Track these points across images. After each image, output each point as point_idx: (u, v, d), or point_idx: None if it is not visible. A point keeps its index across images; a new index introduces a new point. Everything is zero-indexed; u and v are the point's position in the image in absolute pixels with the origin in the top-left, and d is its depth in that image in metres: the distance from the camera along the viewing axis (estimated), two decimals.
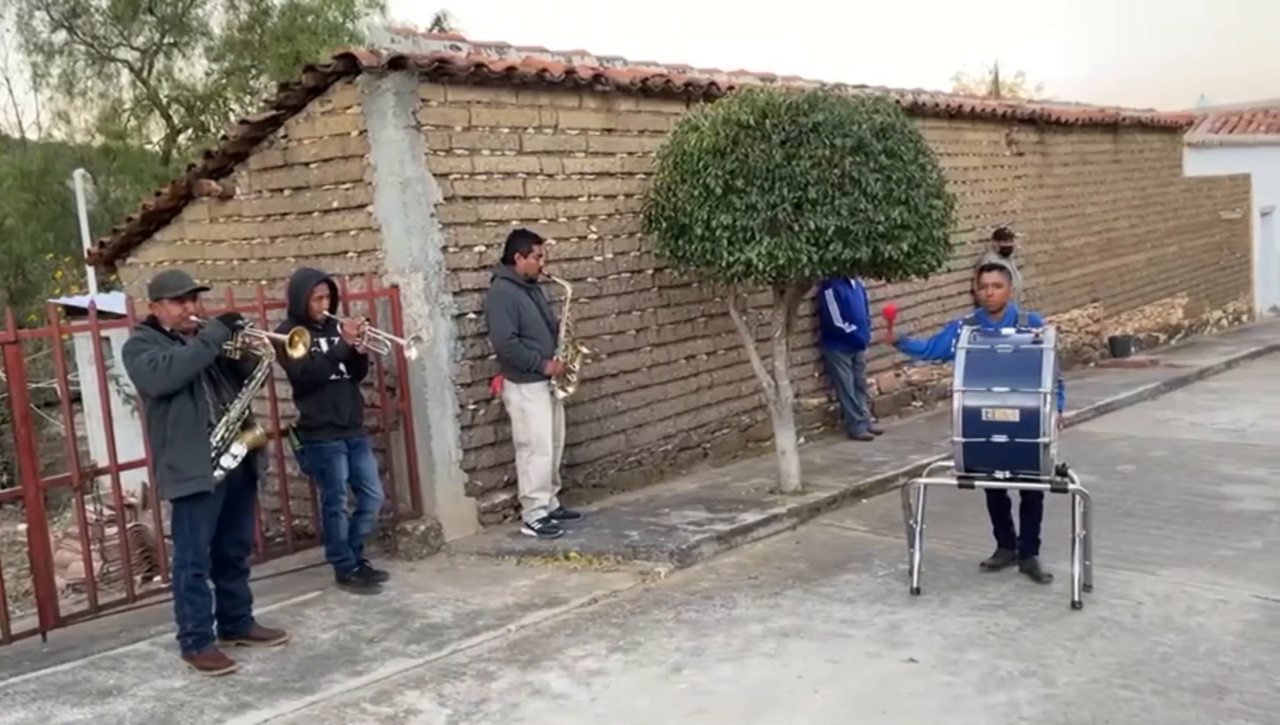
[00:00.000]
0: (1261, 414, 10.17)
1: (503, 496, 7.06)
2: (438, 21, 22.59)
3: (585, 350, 7.01)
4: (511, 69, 6.92)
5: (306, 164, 6.92)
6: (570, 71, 7.27)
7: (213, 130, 23.71)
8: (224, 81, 23.04)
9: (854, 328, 9.12)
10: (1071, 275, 13.06)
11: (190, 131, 23.68)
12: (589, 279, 7.52)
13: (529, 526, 6.75)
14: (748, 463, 8.55)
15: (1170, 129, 15.42)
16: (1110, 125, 13.73)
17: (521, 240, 6.70)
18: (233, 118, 23.12)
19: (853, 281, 8.96)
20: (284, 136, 7.00)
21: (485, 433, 6.96)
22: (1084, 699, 4.33)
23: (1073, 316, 12.94)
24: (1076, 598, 5.32)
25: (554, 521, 6.79)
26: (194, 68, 23.12)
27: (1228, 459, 8.40)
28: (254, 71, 23.07)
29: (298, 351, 5.16)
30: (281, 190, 7.12)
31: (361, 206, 6.69)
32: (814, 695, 4.52)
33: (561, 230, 7.36)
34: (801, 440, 7.73)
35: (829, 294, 9.07)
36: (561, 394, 6.81)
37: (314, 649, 5.24)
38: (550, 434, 6.75)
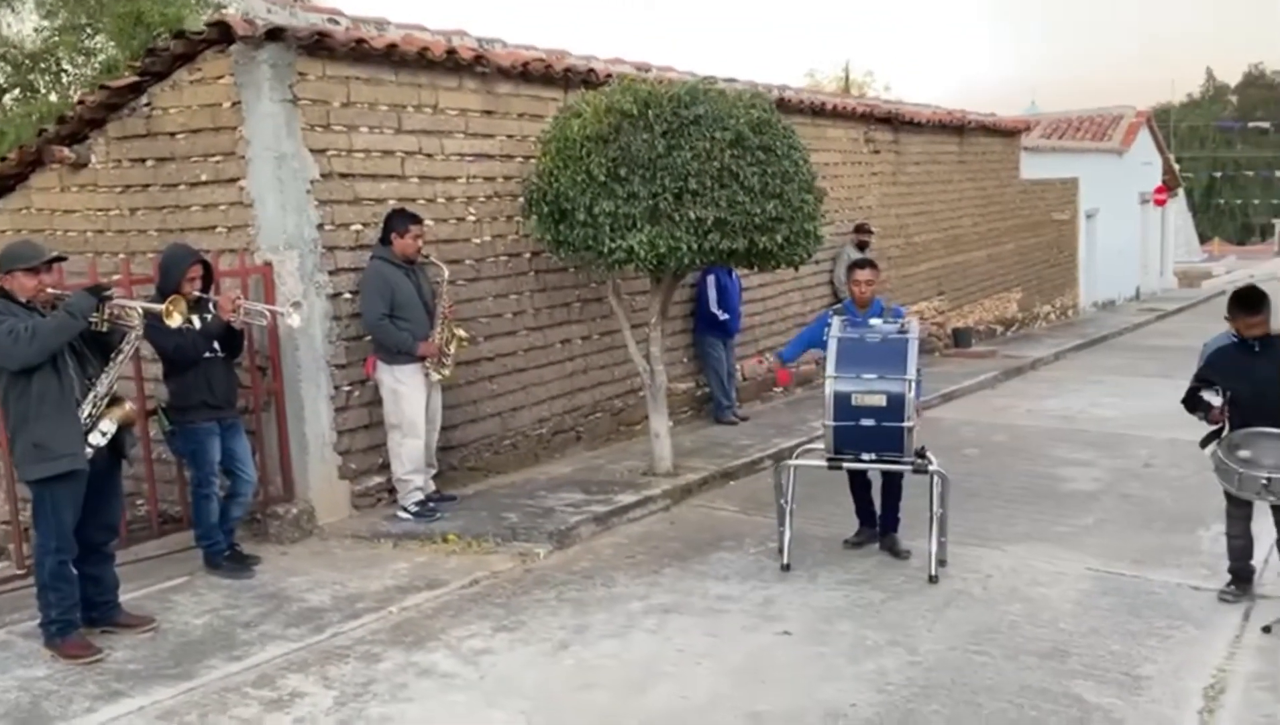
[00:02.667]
0: (1088, 402, 11.02)
1: (377, 479, 6.99)
2: None
3: (463, 333, 6.97)
4: (393, 46, 6.83)
5: (172, 134, 6.64)
6: (451, 52, 7.22)
7: (42, 91, 22.25)
8: (56, 40, 21.60)
9: (727, 316, 9.41)
10: (920, 269, 13.76)
11: (17, 91, 22.15)
12: (467, 261, 7.50)
13: (405, 510, 6.71)
14: (620, 446, 8.71)
15: (1010, 133, 16.39)
16: (957, 127, 14.50)
17: (399, 220, 6.63)
18: (65, 79, 21.73)
19: (733, 273, 9.25)
20: (148, 105, 6.70)
21: (360, 415, 6.87)
22: (943, 665, 4.67)
23: (920, 308, 13.61)
24: (933, 572, 5.69)
25: (430, 504, 6.77)
26: (23, 24, 21.59)
27: (1061, 443, 9.08)
28: (90, 31, 21.73)
29: (174, 321, 4.99)
30: (144, 160, 6.81)
31: (233, 181, 6.48)
32: (697, 667, 4.70)
33: (440, 211, 7.32)
34: (671, 424, 7.93)
35: (710, 280, 9.32)
36: (436, 377, 6.78)
37: (187, 635, 5.10)
38: (423, 417, 6.71)
